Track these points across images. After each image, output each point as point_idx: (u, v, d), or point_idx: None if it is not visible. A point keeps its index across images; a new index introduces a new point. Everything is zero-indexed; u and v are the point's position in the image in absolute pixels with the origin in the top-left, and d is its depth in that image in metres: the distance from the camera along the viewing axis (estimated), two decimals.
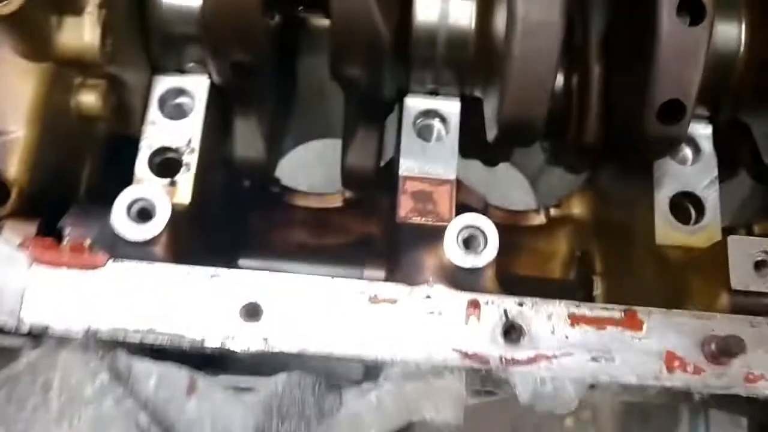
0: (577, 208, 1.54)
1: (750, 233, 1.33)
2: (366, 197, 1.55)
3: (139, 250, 0.98)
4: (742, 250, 1.03)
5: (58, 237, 1.02)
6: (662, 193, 1.22)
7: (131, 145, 1.24)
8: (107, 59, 1.07)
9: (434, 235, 1.13)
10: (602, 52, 1.23)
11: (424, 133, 1.25)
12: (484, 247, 1.00)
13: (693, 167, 1.24)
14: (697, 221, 1.21)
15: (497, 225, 1.56)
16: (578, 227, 1.54)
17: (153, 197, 0.99)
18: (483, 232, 1.01)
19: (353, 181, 1.38)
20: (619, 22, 1.20)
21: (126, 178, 1.23)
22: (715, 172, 1.23)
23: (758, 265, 1.02)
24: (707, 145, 1.25)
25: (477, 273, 1.01)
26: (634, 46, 1.10)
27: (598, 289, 1.43)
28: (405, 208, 1.20)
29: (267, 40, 1.09)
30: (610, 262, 1.41)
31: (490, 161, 1.44)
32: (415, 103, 1.26)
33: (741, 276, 1.02)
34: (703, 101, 1.14)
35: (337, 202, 1.55)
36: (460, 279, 1.01)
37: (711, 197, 1.22)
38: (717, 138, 1.25)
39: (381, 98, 1.23)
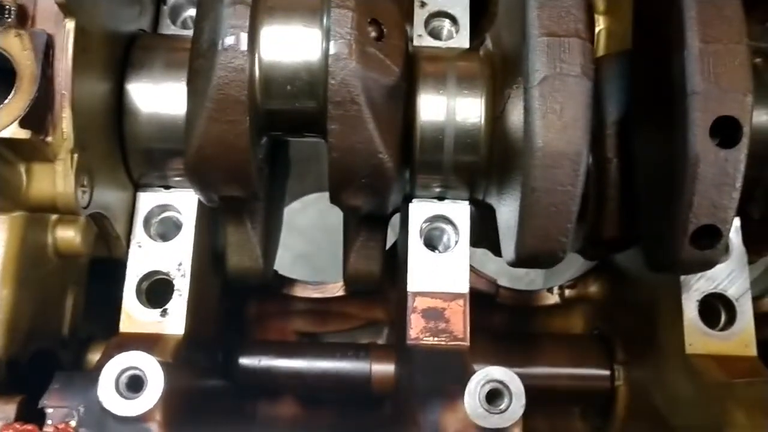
0: (594, 287, 1.45)
1: None
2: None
3: (132, 427, 0.89)
4: None
5: (42, 415, 0.92)
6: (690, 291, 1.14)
7: (117, 264, 1.15)
8: (84, 204, 0.97)
9: (450, 360, 1.05)
10: (621, 142, 1.14)
11: (432, 241, 1.16)
12: (509, 404, 0.91)
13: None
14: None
15: (508, 307, 1.50)
16: (595, 306, 1.46)
17: (142, 365, 0.90)
18: (508, 388, 0.91)
19: (357, 285, 1.29)
20: (639, 114, 1.10)
21: (113, 300, 1.14)
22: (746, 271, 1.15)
23: None
24: (736, 239, 1.17)
25: None
26: (659, 157, 1.01)
27: (620, 380, 1.35)
28: (416, 328, 1.11)
29: (257, 171, 0.99)
30: (634, 354, 1.33)
31: (501, 253, 1.35)
32: (421, 209, 1.16)
33: None
34: None
35: (338, 291, 1.46)
36: None
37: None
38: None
39: (384, 213, 1.14)
